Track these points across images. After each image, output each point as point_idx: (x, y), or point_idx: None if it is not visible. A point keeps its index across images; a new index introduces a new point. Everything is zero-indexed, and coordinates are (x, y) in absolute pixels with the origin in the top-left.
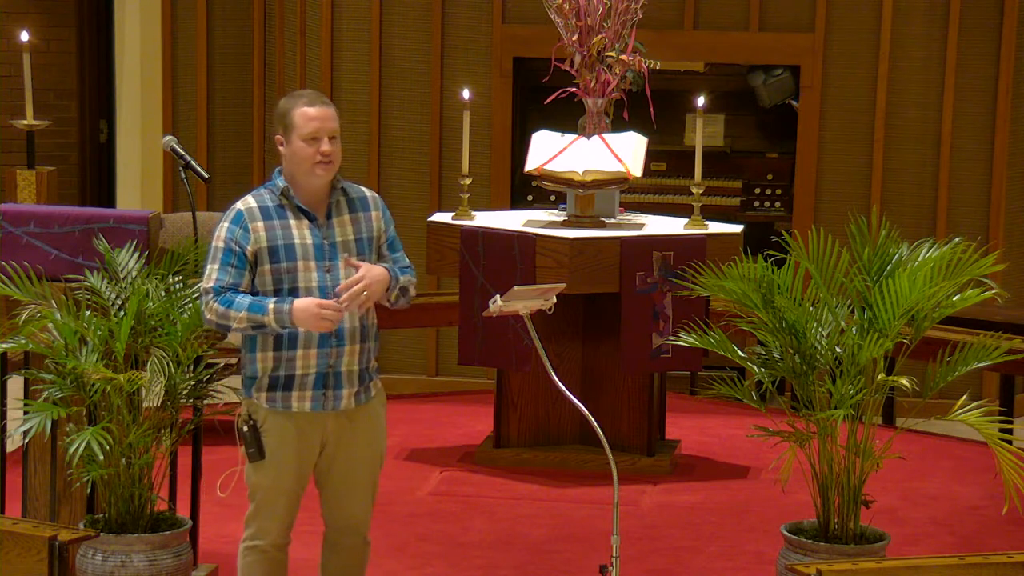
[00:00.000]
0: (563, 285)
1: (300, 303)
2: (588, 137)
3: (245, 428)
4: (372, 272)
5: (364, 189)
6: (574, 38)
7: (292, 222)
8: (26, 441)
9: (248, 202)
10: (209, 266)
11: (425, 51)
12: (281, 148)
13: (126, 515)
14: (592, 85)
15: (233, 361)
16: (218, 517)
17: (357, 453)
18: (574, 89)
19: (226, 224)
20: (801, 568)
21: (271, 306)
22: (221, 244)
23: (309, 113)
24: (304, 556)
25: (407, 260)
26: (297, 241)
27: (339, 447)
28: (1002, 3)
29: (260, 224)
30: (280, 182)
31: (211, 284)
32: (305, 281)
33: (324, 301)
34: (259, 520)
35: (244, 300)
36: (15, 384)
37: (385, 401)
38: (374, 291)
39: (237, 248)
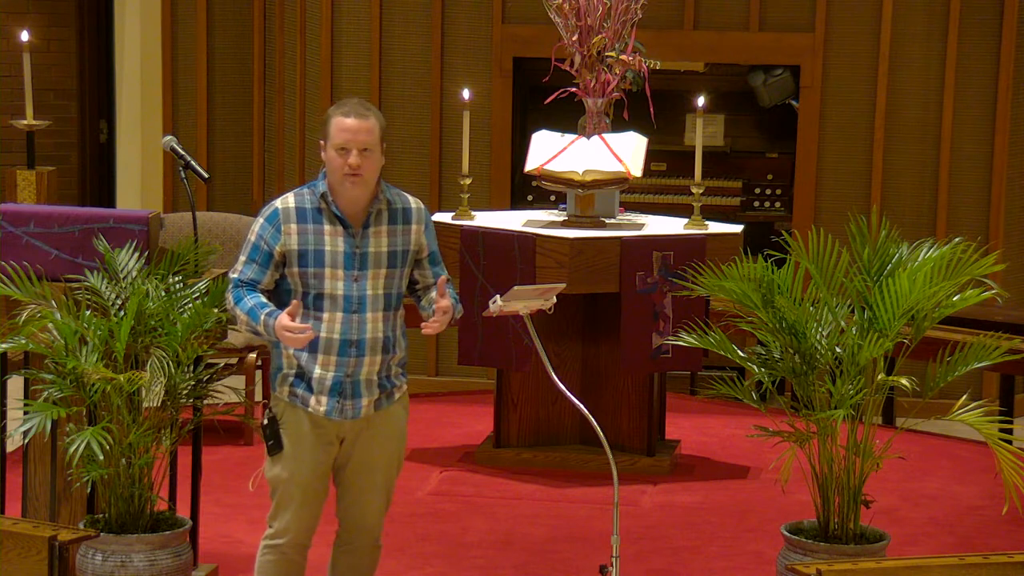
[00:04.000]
0: (563, 285)
1: (279, 319)
2: (588, 137)
3: (265, 421)
4: (455, 308)
5: (411, 200)
6: (574, 38)
7: (326, 227)
8: (26, 441)
9: (288, 201)
10: (240, 257)
11: (425, 51)
12: (322, 154)
13: (126, 515)
14: (592, 85)
15: (233, 361)
16: (218, 517)
17: (373, 453)
18: (574, 89)
19: (261, 220)
20: (801, 568)
21: (263, 317)
22: (252, 239)
23: (343, 124)
24: (312, 554)
25: (446, 271)
26: (328, 248)
27: (356, 445)
28: (1002, 3)
29: (293, 226)
30: (322, 186)
31: (235, 275)
32: (331, 288)
33: (289, 323)
34: (279, 516)
35: (249, 302)
36: (15, 384)
37: (408, 405)
38: (444, 324)
39: (265, 246)
